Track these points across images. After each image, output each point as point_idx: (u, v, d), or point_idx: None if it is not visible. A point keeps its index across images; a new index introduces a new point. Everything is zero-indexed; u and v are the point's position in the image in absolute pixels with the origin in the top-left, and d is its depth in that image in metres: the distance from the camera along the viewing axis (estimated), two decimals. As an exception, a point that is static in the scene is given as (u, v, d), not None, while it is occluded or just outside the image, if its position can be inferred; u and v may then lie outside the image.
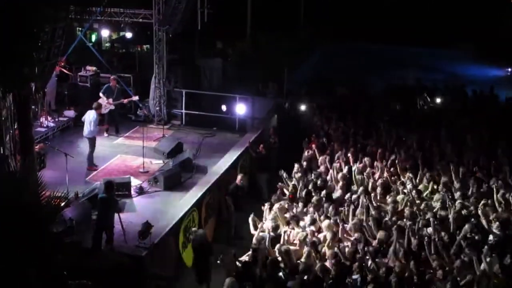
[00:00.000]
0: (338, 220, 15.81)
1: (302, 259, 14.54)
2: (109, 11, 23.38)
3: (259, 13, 34.16)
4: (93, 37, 33.54)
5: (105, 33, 30.70)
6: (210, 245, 16.57)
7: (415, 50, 38.35)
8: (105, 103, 22.74)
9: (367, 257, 14.12)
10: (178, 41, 28.52)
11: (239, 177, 19.51)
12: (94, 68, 25.45)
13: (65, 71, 25.13)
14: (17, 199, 10.76)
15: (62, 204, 12.00)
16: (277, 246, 14.93)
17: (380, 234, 14.97)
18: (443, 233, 14.90)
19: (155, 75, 24.91)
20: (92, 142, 20.63)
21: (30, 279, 10.59)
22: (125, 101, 23.17)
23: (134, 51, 32.25)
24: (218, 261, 15.20)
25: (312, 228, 15.77)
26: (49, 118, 23.60)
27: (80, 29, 27.91)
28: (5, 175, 11.83)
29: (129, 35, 28.39)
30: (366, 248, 14.52)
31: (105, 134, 23.15)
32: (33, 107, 19.50)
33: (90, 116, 20.67)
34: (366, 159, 19.41)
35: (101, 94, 23.00)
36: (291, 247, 15.03)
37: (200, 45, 31.09)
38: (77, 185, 18.70)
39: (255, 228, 16.36)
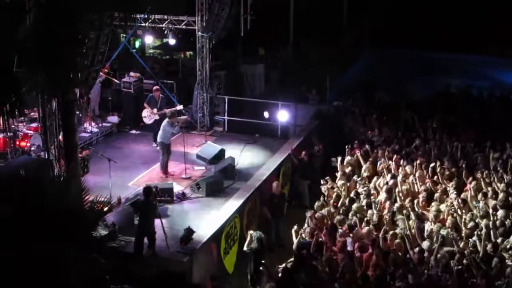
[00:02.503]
0: (379, 228, 15.70)
1: (341, 266, 14.47)
2: (153, 18, 23.53)
3: (302, 19, 34.08)
4: (137, 44, 33.76)
5: (148, 39, 30.89)
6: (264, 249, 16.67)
7: (460, 56, 37.85)
8: (149, 113, 22.86)
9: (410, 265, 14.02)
10: (221, 48, 28.60)
11: (274, 184, 19.47)
12: (137, 74, 25.60)
13: (109, 77, 25.34)
14: (60, 204, 10.85)
15: (105, 209, 12.06)
16: (319, 253, 14.90)
17: (424, 244, 14.82)
18: (486, 243, 14.70)
19: (198, 81, 24.99)
20: (163, 148, 20.77)
21: (72, 281, 10.68)
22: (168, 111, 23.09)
23: (178, 57, 32.40)
24: (261, 268, 15.22)
25: (352, 234, 15.70)
26: (93, 124, 23.84)
27: (124, 35, 28.14)
28: (49, 180, 11.96)
29: (172, 41, 28.51)
30: (408, 256, 14.42)
31: (154, 144, 23.24)
32: (77, 112, 19.71)
33: (163, 124, 20.82)
34: (409, 167, 19.24)
35: (145, 105, 23.08)
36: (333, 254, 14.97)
37: (243, 52, 31.12)
38: (120, 190, 18.83)
39: (297, 239, 16.28)
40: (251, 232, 16.81)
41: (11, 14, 14.54)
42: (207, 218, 17.67)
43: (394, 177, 18.62)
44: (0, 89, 13.67)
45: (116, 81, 25.52)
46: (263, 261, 16.15)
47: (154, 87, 23.70)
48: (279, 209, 19.46)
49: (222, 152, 21.92)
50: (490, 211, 16.06)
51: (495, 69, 36.48)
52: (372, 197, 17.74)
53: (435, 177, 18.68)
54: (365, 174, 19.46)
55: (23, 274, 10.11)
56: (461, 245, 14.81)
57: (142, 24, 24.15)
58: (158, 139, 20.81)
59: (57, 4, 14.54)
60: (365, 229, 15.74)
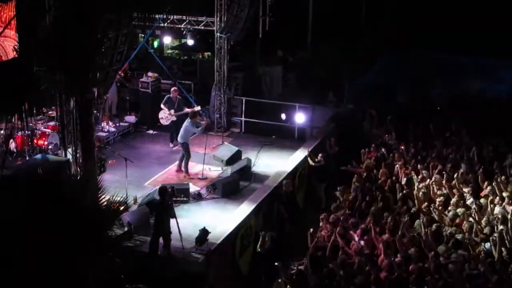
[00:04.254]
0: (395, 232, 15.64)
1: (355, 269, 14.43)
2: (172, 18, 23.58)
3: (320, 21, 34.02)
4: (155, 44, 33.87)
5: (167, 40, 30.97)
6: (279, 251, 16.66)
7: (480, 59, 37.57)
8: (167, 114, 22.89)
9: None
10: (239, 49, 28.61)
11: (286, 183, 19.46)
12: (155, 74, 25.67)
13: (127, 77, 25.42)
14: (77, 203, 10.90)
15: (121, 208, 12.10)
16: (335, 255, 14.87)
17: (440, 248, 14.75)
18: (502, 249, 14.60)
19: (216, 82, 25.02)
20: (184, 148, 20.80)
21: (88, 280, 10.73)
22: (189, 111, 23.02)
23: (196, 58, 32.48)
24: (275, 269, 15.18)
25: (366, 238, 15.65)
26: (110, 123, 23.91)
27: (143, 35, 28.24)
28: (66, 178, 12.02)
29: (190, 42, 28.56)
30: (425, 262, 14.35)
31: (171, 145, 23.31)
32: (94, 112, 19.80)
33: (185, 124, 20.86)
34: (426, 171, 19.16)
35: (162, 105, 23.10)
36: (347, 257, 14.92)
37: (261, 53, 31.12)
38: (137, 190, 18.89)
39: (312, 242, 16.25)
40: (264, 232, 16.80)
41: (31, 13, 14.66)
42: (223, 219, 17.69)
43: (410, 181, 18.55)
44: (19, 87, 13.76)
45: (130, 78, 25.57)
46: (276, 263, 16.13)
47: (173, 88, 23.73)
48: (294, 208, 19.52)
49: (238, 153, 21.96)
50: (509, 216, 15.95)
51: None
52: (388, 200, 17.68)
53: (452, 182, 18.58)
54: (381, 177, 19.39)
55: (39, 274, 10.17)
56: (477, 250, 14.73)
57: (160, 25, 24.22)
58: (181, 140, 20.80)
59: (76, 4, 14.62)
60: (384, 236, 15.64)
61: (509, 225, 15.52)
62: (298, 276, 14.25)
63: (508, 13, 38.40)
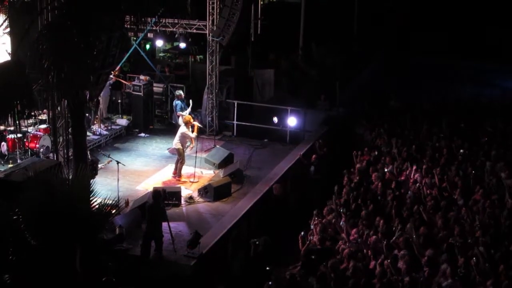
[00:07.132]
0: (387, 236, 15.65)
1: (349, 274, 14.42)
2: (164, 21, 23.58)
3: (312, 25, 34.08)
4: (147, 47, 33.81)
5: (159, 43, 30.96)
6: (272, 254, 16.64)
7: (472, 64, 37.66)
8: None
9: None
10: (231, 52, 28.56)
11: (276, 187, 19.46)
12: (147, 77, 25.66)
13: (119, 79, 25.37)
14: (69, 205, 10.89)
15: (113, 211, 12.08)
16: (326, 260, 14.86)
17: (429, 252, 14.75)
18: (493, 251, 14.63)
19: (208, 85, 25.02)
20: (179, 153, 20.75)
21: (78, 281, 10.73)
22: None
23: (188, 61, 32.45)
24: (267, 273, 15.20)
25: (359, 241, 15.66)
26: (102, 126, 23.88)
27: (135, 38, 28.22)
28: (58, 181, 11.99)
29: (183, 45, 28.55)
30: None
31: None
32: (86, 114, 19.74)
33: (180, 130, 20.81)
34: (417, 175, 19.19)
35: (180, 113, 22.99)
36: (338, 261, 14.92)
37: (253, 56, 31.12)
38: (128, 193, 18.87)
39: (303, 245, 16.24)
40: (255, 239, 16.78)
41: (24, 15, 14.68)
42: (215, 222, 17.68)
43: (401, 184, 18.59)
44: (11, 89, 13.75)
45: (122, 81, 25.53)
46: (267, 268, 16.12)
47: (177, 92, 23.65)
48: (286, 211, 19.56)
49: (230, 156, 21.95)
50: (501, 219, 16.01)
51: (507, 78, 36.22)
52: (379, 204, 17.70)
53: (443, 185, 18.63)
54: (373, 181, 19.40)
55: (31, 274, 10.16)
56: (469, 253, 14.74)
57: (153, 28, 24.21)
58: (176, 145, 20.69)
59: (70, 6, 14.63)
60: (373, 238, 15.67)
61: (500, 228, 15.59)
62: (290, 280, 14.26)
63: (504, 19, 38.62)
